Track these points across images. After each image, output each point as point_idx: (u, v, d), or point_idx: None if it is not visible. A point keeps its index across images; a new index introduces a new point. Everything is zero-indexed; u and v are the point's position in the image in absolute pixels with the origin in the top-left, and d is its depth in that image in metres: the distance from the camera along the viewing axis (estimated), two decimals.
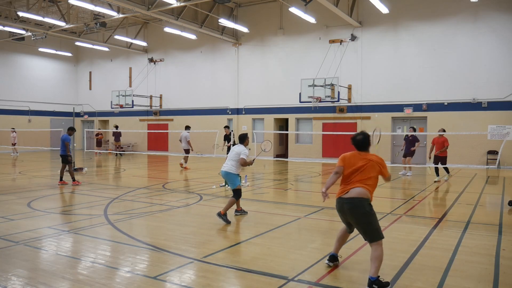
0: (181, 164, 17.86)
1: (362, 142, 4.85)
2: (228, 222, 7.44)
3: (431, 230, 6.98)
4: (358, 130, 21.84)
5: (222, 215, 7.48)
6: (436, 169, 14.17)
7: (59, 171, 12.88)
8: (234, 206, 8.15)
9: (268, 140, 10.61)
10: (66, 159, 12.58)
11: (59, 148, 12.92)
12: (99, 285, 4.49)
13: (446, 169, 14.17)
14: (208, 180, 13.98)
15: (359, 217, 4.58)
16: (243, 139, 8.25)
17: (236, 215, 8.13)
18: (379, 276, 4.37)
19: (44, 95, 31.40)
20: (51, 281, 4.61)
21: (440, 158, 14.03)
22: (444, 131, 14.45)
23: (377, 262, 4.40)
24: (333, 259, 5.10)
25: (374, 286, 4.30)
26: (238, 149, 7.95)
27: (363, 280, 4.68)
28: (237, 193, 7.84)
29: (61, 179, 12.64)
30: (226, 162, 8.05)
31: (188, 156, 18.05)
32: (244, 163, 7.90)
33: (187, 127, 18.69)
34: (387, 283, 4.39)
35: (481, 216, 8.19)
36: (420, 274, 4.85)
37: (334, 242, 5.19)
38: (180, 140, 18.41)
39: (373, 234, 4.52)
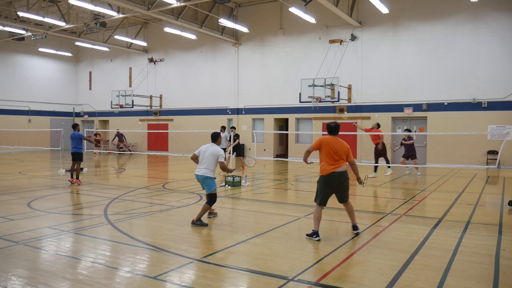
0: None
1: (335, 128, 6.57)
2: (205, 225, 7.17)
3: (431, 230, 6.98)
4: (359, 130, 21.99)
5: (196, 222, 7.15)
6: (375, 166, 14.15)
7: (70, 169, 12.94)
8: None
9: (253, 158, 10.88)
10: (79, 156, 12.66)
11: (59, 148, 12.96)
12: (99, 285, 4.49)
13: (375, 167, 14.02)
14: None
15: (346, 183, 6.47)
16: (216, 138, 7.61)
17: (209, 217, 7.81)
18: (356, 223, 6.65)
19: (44, 95, 31.39)
20: (51, 281, 4.61)
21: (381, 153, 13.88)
22: (378, 125, 14.28)
23: (353, 212, 6.63)
24: (318, 234, 6.35)
25: (357, 228, 6.59)
26: (214, 149, 7.36)
27: (363, 280, 4.68)
28: (212, 199, 7.37)
29: (72, 176, 12.70)
30: (200, 165, 7.43)
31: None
32: (224, 168, 7.49)
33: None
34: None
35: (481, 216, 8.18)
36: (420, 274, 4.85)
37: (314, 221, 6.41)
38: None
39: (348, 195, 6.57)
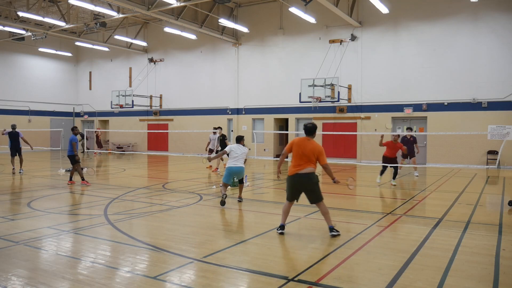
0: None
1: (311, 129, 6.63)
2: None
3: (431, 230, 6.98)
4: (358, 130, 21.94)
5: (241, 199, 9.61)
6: (383, 171, 13.12)
7: (71, 172, 12.93)
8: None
9: (205, 158, 12.00)
10: (73, 159, 12.55)
11: (59, 148, 12.95)
12: (99, 285, 4.49)
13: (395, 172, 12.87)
14: (208, 180, 13.97)
15: (312, 185, 6.45)
16: (241, 139, 9.55)
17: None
18: (334, 225, 6.56)
19: (44, 95, 31.40)
20: (51, 281, 4.61)
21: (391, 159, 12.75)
22: (399, 136, 12.91)
23: (327, 215, 6.53)
24: (283, 228, 6.62)
25: (334, 230, 6.44)
26: (244, 149, 9.38)
27: (363, 280, 4.68)
28: (243, 181, 9.71)
29: (70, 178, 12.68)
30: (235, 160, 9.17)
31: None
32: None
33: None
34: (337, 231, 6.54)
35: (481, 216, 8.18)
36: (420, 274, 4.85)
37: (282, 215, 6.68)
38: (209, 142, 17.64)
39: (318, 196, 6.49)
